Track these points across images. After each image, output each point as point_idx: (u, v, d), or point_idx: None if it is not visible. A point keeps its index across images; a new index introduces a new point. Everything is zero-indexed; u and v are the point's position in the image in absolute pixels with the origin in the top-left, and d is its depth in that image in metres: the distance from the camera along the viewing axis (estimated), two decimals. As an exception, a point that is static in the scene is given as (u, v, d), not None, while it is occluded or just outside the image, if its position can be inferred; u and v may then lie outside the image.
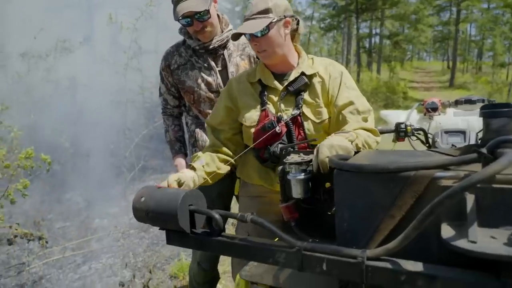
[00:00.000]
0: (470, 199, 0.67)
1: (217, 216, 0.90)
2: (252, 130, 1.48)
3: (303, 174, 1.12)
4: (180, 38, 1.95)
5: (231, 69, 1.86)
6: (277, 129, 1.42)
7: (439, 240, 0.68)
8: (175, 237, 0.97)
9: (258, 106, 1.50)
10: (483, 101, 2.33)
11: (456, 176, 0.71)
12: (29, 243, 3.22)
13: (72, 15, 5.68)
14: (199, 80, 1.85)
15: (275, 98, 1.50)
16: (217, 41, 1.83)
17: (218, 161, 1.48)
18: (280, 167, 1.19)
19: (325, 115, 1.47)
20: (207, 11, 1.72)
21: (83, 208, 4.77)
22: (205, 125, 1.77)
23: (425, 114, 2.43)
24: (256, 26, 1.40)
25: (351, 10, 22.76)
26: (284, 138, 1.46)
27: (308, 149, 1.41)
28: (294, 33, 1.54)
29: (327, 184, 1.14)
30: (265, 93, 1.51)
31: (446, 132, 2.01)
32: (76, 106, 5.62)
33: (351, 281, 0.82)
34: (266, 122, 1.44)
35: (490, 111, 0.79)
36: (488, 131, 0.80)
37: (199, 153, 1.49)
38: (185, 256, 3.12)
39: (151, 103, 6.71)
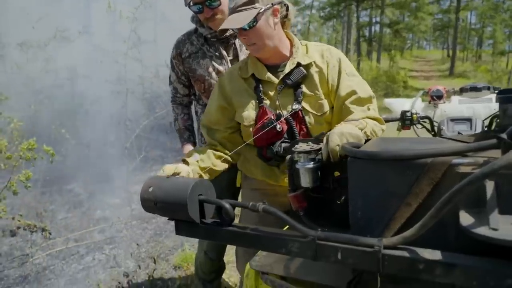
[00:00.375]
0: (489, 186, 0.65)
1: (227, 205, 0.89)
2: (251, 129, 1.42)
3: (312, 163, 1.10)
4: (185, 27, 1.91)
5: (242, 58, 1.84)
6: (278, 127, 1.36)
7: (456, 228, 0.67)
8: (184, 227, 0.96)
9: (255, 103, 1.43)
10: (488, 88, 2.31)
11: (474, 163, 0.70)
12: (32, 234, 3.22)
13: (71, 3, 5.60)
14: (210, 69, 1.84)
15: (272, 93, 1.42)
16: (229, 30, 1.79)
17: (214, 157, 1.41)
18: (289, 156, 1.17)
19: (326, 107, 1.42)
20: None
21: (84, 199, 4.76)
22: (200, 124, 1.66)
23: (429, 102, 2.41)
24: (242, 19, 1.30)
25: (351, -1, 22.53)
26: (285, 135, 1.40)
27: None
28: (284, 20, 1.45)
29: (336, 173, 1.13)
30: (260, 88, 1.43)
31: (452, 120, 2.00)
32: (76, 97, 5.57)
33: (366, 270, 0.81)
34: (265, 121, 1.37)
35: (507, 96, 0.77)
36: (505, 117, 0.78)
37: (196, 148, 1.44)
38: (188, 247, 3.13)
39: (151, 93, 6.67)
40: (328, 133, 1.10)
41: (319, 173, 1.12)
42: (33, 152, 2.72)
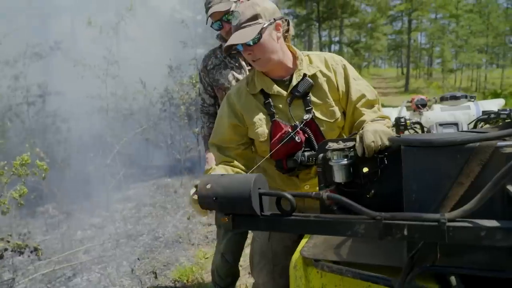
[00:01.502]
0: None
1: (289, 196, 0.95)
2: (266, 144, 1.45)
3: (346, 159, 1.20)
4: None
5: None
6: (297, 138, 1.38)
7: (503, 200, 0.79)
8: (243, 220, 1.01)
9: (267, 118, 1.45)
10: (465, 97, 2.57)
11: (516, 145, 0.82)
12: (13, 259, 3.04)
13: (43, 19, 5.45)
14: (230, 77, 1.99)
15: (282, 105, 1.45)
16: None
17: (233, 173, 1.41)
18: (321, 155, 1.26)
19: (338, 113, 1.47)
20: (232, 12, 1.79)
21: (62, 220, 4.56)
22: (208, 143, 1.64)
23: (414, 110, 2.62)
24: (247, 35, 1.33)
25: (312, 19, 23.55)
26: (304, 145, 1.42)
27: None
28: (285, 34, 1.49)
29: (365, 169, 1.23)
30: (271, 102, 1.45)
31: (441, 124, 2.20)
32: (50, 114, 5.37)
33: (421, 248, 0.90)
34: (283, 134, 1.39)
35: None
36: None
37: (213, 166, 1.45)
38: (185, 261, 3.10)
39: (129, 110, 6.58)
40: (361, 131, 1.20)
41: (351, 170, 1.22)
42: (26, 168, 2.61)
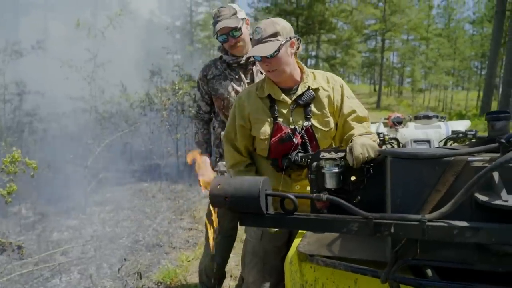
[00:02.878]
0: (495, 174, 0.96)
1: (292, 196, 1.09)
2: (266, 142, 1.64)
3: (337, 168, 1.36)
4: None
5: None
6: (294, 140, 1.58)
7: (472, 205, 0.97)
8: (250, 218, 1.13)
9: (270, 120, 1.65)
10: (437, 117, 2.82)
11: (483, 160, 1.00)
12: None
13: (26, 17, 5.36)
14: (230, 89, 2.11)
15: (285, 111, 1.65)
16: (247, 57, 2.09)
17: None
18: (314, 163, 1.41)
19: (332, 124, 1.68)
20: (239, 28, 2.00)
21: (37, 221, 4.47)
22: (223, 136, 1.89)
23: (391, 127, 2.85)
24: (268, 49, 1.54)
25: (291, 33, 24.08)
26: (300, 147, 1.62)
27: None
28: (296, 51, 1.69)
29: (353, 177, 1.40)
30: (275, 107, 1.65)
31: (415, 141, 2.42)
32: (28, 114, 5.26)
33: (404, 244, 1.06)
34: (283, 135, 1.59)
35: (495, 116, 1.11)
36: (492, 130, 1.12)
37: (247, 175, 1.68)
38: (167, 263, 3.15)
39: (109, 113, 6.53)
40: (351, 144, 1.36)
41: (341, 177, 1.38)
42: (14, 166, 2.60)
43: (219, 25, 2.00)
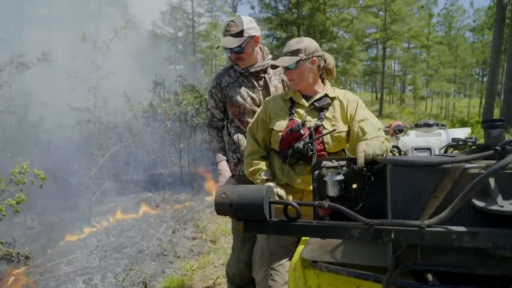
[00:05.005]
0: (491, 181, 0.99)
1: (295, 204, 1.12)
2: (280, 133, 1.82)
3: (339, 176, 1.40)
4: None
5: (271, 89, 2.23)
6: (302, 131, 1.77)
7: (469, 210, 0.99)
8: (254, 225, 1.16)
9: (287, 117, 1.85)
10: (437, 125, 2.85)
11: (479, 167, 1.03)
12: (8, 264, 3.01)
13: (34, 31, 5.47)
14: (245, 95, 2.20)
15: (302, 112, 1.84)
16: (258, 66, 2.21)
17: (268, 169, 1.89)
18: (316, 172, 1.45)
19: (341, 128, 1.80)
20: (239, 47, 2.11)
21: (42, 231, 4.50)
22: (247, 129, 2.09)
23: (392, 135, 2.88)
24: (286, 62, 1.80)
25: (293, 42, 24.26)
26: (306, 139, 1.77)
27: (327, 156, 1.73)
28: (328, 68, 1.92)
29: (354, 185, 1.43)
30: (294, 107, 1.86)
31: (416, 149, 2.44)
32: (34, 125, 5.33)
33: (404, 250, 1.09)
34: (293, 125, 1.79)
35: (490, 124, 1.14)
36: (489, 138, 1.16)
37: (261, 166, 1.88)
38: (172, 272, 3.16)
39: (113, 123, 6.59)
40: (360, 143, 1.42)
41: (342, 185, 1.41)
42: (23, 177, 2.64)
43: (221, 42, 2.12)
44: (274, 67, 1.88)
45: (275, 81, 2.26)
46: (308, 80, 1.85)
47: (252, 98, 2.20)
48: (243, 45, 2.11)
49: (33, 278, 3.28)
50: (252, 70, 2.19)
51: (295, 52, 1.81)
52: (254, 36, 2.15)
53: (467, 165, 1.05)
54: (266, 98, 2.03)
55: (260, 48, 2.27)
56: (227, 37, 2.11)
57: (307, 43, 1.84)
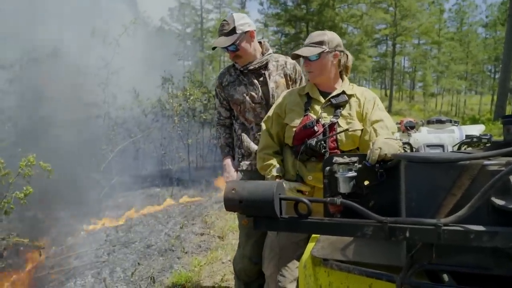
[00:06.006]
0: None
1: (307, 201, 1.10)
2: (294, 129, 1.78)
3: (350, 172, 1.36)
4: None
5: (271, 85, 2.18)
6: (316, 128, 1.73)
7: (488, 209, 0.96)
8: (264, 222, 1.14)
9: (302, 112, 1.81)
10: (450, 121, 2.79)
11: (499, 163, 0.99)
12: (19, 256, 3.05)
13: (43, 25, 5.50)
14: (244, 94, 2.18)
15: (317, 108, 1.80)
16: (257, 63, 2.17)
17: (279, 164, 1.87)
18: (328, 168, 1.42)
19: (356, 127, 1.76)
20: (233, 45, 2.08)
21: (51, 225, 4.55)
22: (261, 123, 2.04)
23: (403, 132, 2.83)
24: (309, 52, 1.76)
25: (301, 38, 24.15)
26: (320, 137, 1.74)
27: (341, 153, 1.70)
28: (347, 65, 1.89)
29: (366, 182, 1.39)
30: (310, 103, 1.82)
31: (428, 145, 2.39)
32: (44, 119, 5.38)
33: (419, 249, 1.06)
34: (307, 121, 1.76)
35: (511, 119, 1.10)
36: (508, 134, 1.11)
37: (272, 162, 1.86)
38: (179, 267, 3.16)
39: (122, 119, 6.63)
40: (377, 140, 1.38)
41: (354, 182, 1.38)
42: (30, 169, 2.66)
43: (214, 42, 2.12)
44: (295, 56, 1.83)
45: (276, 77, 2.23)
46: (328, 75, 1.81)
47: (251, 96, 2.18)
48: (237, 42, 2.08)
49: (43, 272, 3.31)
50: (251, 67, 2.17)
51: (319, 43, 1.77)
52: (248, 31, 2.12)
53: (486, 162, 1.01)
54: (283, 92, 2.00)
55: (260, 43, 2.25)
56: (221, 37, 2.10)
57: (331, 36, 1.80)
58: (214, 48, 2.21)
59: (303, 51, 1.78)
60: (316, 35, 1.80)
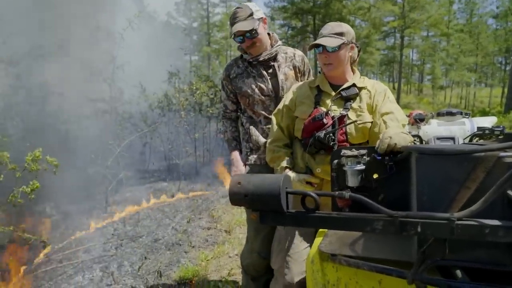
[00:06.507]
0: (529, 171, 0.91)
1: (314, 195, 1.06)
2: (303, 121, 1.76)
3: (359, 165, 1.33)
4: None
5: (280, 77, 2.14)
6: (325, 120, 1.71)
7: (503, 203, 0.92)
8: (270, 216, 1.11)
9: (312, 105, 1.79)
10: (461, 113, 2.73)
11: (515, 156, 0.95)
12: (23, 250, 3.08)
13: (50, 19, 5.51)
14: (253, 86, 2.13)
15: (327, 101, 1.78)
16: (267, 54, 2.12)
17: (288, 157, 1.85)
18: (336, 161, 1.39)
19: (366, 119, 1.72)
20: (255, 30, 2.02)
21: (60, 220, 4.59)
22: (271, 116, 2.02)
23: (412, 124, 2.77)
24: (331, 42, 1.71)
25: (308, 31, 23.94)
26: (329, 129, 1.71)
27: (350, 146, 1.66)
28: (355, 59, 1.86)
29: (375, 175, 1.36)
30: (320, 96, 1.80)
31: (439, 138, 2.34)
32: (51, 115, 5.41)
33: (431, 244, 1.02)
34: (316, 114, 1.73)
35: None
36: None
37: (281, 154, 1.85)
38: (186, 262, 3.16)
39: (129, 113, 6.64)
40: (387, 130, 1.34)
41: (363, 175, 1.34)
42: (37, 164, 2.67)
43: (234, 28, 2.03)
44: (314, 46, 1.75)
45: (285, 69, 2.18)
46: (343, 67, 1.78)
47: (260, 88, 2.13)
48: (256, 27, 2.03)
49: (52, 265, 3.33)
50: (261, 58, 2.11)
51: (339, 35, 1.73)
52: (262, 17, 2.08)
53: (502, 154, 0.96)
54: (293, 85, 1.97)
55: (269, 34, 2.19)
56: (239, 23, 2.02)
57: (347, 28, 1.77)
58: (234, 36, 2.08)
59: (325, 40, 1.72)
60: (335, 26, 1.76)
